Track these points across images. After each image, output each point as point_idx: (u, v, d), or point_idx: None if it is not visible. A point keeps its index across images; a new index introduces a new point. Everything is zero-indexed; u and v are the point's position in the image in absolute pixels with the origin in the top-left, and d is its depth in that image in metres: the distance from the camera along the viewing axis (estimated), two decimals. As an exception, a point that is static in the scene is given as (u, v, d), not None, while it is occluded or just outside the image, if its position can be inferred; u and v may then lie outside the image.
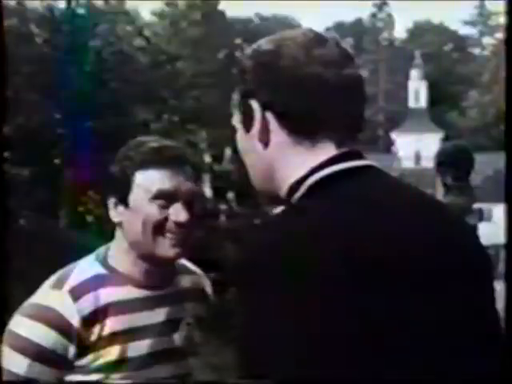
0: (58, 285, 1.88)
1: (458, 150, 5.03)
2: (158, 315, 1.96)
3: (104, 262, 1.95)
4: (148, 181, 1.88)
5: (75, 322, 1.83)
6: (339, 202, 1.26)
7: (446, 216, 1.36)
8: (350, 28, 72.97)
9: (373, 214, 1.25)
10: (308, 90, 1.34)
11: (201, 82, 30.94)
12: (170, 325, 1.98)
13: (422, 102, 63.42)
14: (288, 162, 1.36)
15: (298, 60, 1.34)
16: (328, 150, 1.34)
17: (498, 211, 41.43)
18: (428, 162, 50.39)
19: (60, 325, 1.81)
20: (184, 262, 2.13)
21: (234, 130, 1.45)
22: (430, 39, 71.01)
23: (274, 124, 1.36)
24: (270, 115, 1.36)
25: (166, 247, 1.88)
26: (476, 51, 74.68)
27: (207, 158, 30.62)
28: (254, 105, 1.37)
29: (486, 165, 40.61)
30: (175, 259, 1.93)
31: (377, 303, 1.16)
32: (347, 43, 1.47)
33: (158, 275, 1.96)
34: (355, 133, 1.38)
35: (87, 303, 1.86)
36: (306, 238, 1.19)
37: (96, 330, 1.86)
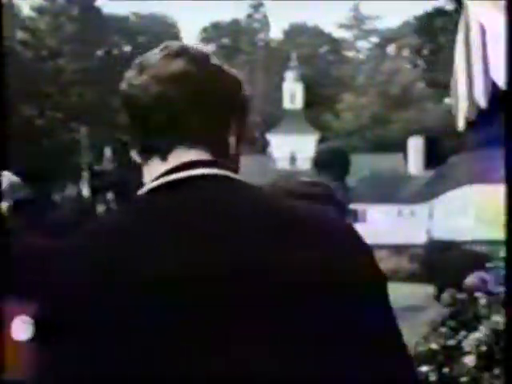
0: None
1: (333, 151, 5.04)
2: None
3: None
4: None
5: None
6: (134, 211, 1.37)
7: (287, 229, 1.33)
8: (226, 28, 72.71)
9: (171, 226, 1.31)
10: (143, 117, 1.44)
11: (81, 79, 30.28)
12: None
13: (298, 103, 63.62)
14: (146, 177, 1.47)
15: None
16: (171, 162, 1.43)
17: (373, 212, 41.95)
18: (303, 164, 50.75)
19: None
20: None
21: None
22: (306, 41, 71.53)
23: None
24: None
25: None
26: (351, 54, 75.74)
27: (86, 158, 29.97)
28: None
29: (361, 166, 40.94)
30: None
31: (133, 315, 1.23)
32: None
33: None
34: (203, 143, 1.45)
35: None
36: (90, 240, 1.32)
37: None
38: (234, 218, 1.33)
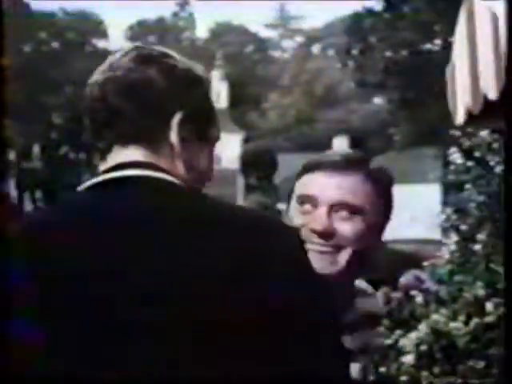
0: None
1: (259, 150, 4.84)
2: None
3: None
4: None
5: None
6: (62, 207, 1.45)
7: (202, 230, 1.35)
8: (152, 26, 72.16)
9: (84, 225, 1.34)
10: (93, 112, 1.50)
11: (10, 75, 29.77)
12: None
13: (223, 102, 63.46)
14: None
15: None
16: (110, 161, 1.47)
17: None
18: (229, 163, 50.67)
19: None
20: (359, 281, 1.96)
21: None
22: (232, 40, 71.40)
23: None
24: None
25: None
26: (276, 54, 75.87)
27: (13, 155, 29.45)
28: None
29: (287, 166, 40.97)
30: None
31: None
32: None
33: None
34: (140, 142, 1.46)
35: None
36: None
37: None
38: (143, 220, 1.35)
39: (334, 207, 1.84)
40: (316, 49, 71.29)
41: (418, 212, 19.52)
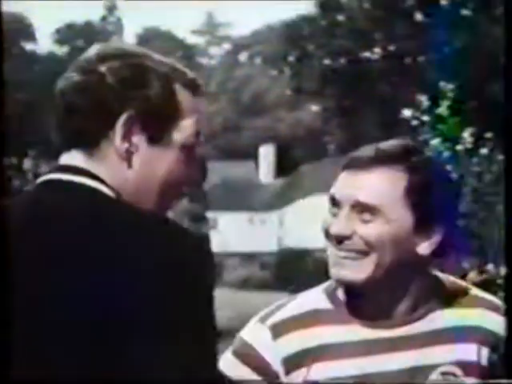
0: (265, 318, 1.77)
1: None
2: (393, 361, 1.70)
3: (332, 294, 1.79)
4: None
5: (275, 363, 1.71)
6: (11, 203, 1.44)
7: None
8: (80, 30, 71.31)
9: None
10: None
11: None
12: (412, 373, 1.70)
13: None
14: None
15: None
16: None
17: (224, 220, 41.96)
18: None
19: (259, 366, 1.72)
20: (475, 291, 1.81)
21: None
22: (159, 46, 71.01)
23: None
24: None
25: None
26: (203, 61, 75.77)
27: None
28: None
29: (214, 173, 40.77)
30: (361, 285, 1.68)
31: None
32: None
33: (395, 310, 1.72)
34: (80, 146, 1.43)
35: (291, 342, 1.72)
36: None
37: (301, 374, 1.70)
38: (46, 224, 1.35)
39: (354, 208, 1.71)
40: (243, 56, 71.33)
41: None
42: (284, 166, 48.60)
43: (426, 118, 8.61)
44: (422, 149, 1.85)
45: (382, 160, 1.73)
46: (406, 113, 8.96)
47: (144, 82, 1.44)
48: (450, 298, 1.80)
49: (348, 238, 1.70)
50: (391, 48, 15.46)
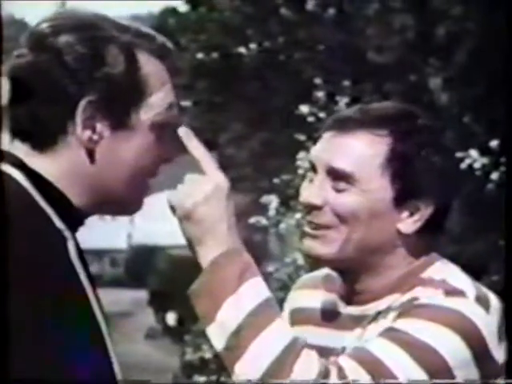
0: None
1: None
2: (345, 338, 1.59)
3: None
4: None
5: None
6: None
7: None
8: None
9: None
10: None
11: None
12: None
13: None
14: None
15: None
16: None
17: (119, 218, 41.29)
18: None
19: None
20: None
21: None
22: (11, 35, 69.51)
23: None
24: None
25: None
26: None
27: None
28: None
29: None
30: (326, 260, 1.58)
31: None
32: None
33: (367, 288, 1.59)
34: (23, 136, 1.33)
35: (289, 300, 1.76)
36: None
37: None
38: None
39: (329, 175, 1.57)
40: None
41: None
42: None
43: (322, 114, 8.60)
44: (420, 114, 1.64)
45: (364, 122, 1.58)
46: (303, 109, 8.93)
47: (104, 58, 1.31)
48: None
49: (318, 208, 1.56)
50: (266, 44, 15.57)
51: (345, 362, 1.48)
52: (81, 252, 1.39)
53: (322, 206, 1.56)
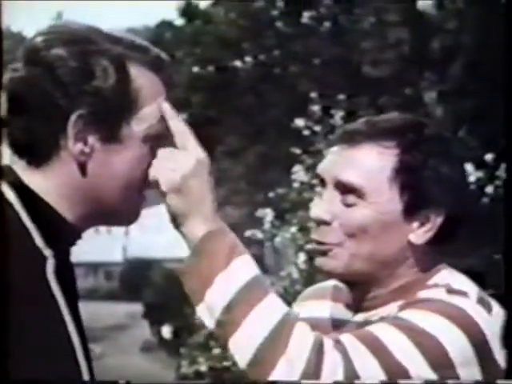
0: None
1: None
2: None
3: None
4: None
5: None
6: None
7: None
8: None
9: None
10: None
11: None
12: None
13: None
14: None
15: None
16: None
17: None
18: None
19: None
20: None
21: None
22: (8, 48, 69.36)
23: None
24: None
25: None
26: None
27: None
28: None
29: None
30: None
31: None
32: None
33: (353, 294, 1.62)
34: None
35: (299, 307, 1.74)
36: None
37: None
38: None
39: (338, 189, 1.56)
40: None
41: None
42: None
43: (318, 128, 8.60)
44: (427, 124, 1.63)
45: (371, 134, 1.57)
46: (299, 122, 8.93)
47: (94, 71, 1.30)
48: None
49: (327, 223, 1.55)
50: (261, 57, 15.57)
51: (344, 336, 1.48)
52: (68, 268, 1.39)
53: (331, 221, 1.55)
